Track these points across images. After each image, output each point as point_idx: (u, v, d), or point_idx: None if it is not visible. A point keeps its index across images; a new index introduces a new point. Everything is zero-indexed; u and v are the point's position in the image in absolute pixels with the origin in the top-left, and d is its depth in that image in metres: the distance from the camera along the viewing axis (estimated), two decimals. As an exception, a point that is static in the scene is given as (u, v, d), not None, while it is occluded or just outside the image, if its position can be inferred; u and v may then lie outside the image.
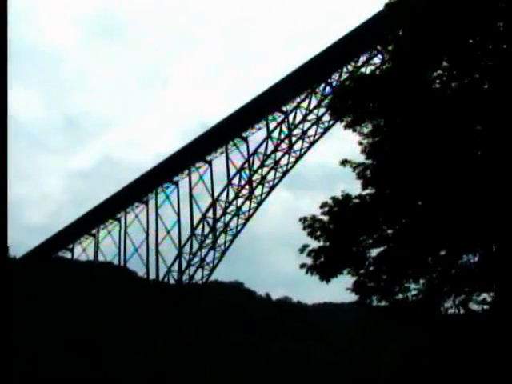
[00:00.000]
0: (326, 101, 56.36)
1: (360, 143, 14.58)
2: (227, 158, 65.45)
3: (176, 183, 70.06)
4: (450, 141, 13.23)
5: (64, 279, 63.82)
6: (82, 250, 77.65)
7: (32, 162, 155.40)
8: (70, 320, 51.38)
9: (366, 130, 14.50)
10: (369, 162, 14.49)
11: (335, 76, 58.97)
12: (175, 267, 65.75)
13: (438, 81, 13.90)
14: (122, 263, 72.29)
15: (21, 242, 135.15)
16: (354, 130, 14.61)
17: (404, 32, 14.34)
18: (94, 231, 76.30)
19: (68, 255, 78.97)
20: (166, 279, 66.37)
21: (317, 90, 60.50)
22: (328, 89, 59.11)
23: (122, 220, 73.96)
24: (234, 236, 65.28)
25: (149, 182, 70.20)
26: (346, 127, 14.71)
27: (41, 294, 56.56)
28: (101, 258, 74.71)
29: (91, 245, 76.60)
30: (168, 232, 68.29)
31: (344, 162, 14.75)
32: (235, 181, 64.13)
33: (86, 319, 52.18)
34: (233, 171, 64.41)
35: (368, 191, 14.39)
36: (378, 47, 53.39)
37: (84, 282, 63.58)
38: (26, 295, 54.97)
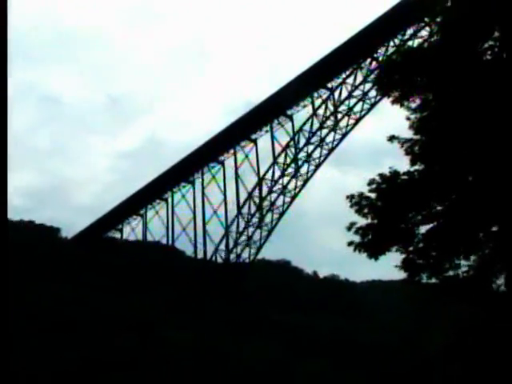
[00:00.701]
0: (372, 76, 55.53)
1: (408, 118, 14.33)
2: (272, 137, 65.41)
3: (222, 163, 70.40)
4: (502, 114, 12.84)
5: (114, 259, 65.15)
6: (131, 230, 79.15)
7: (79, 143, 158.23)
8: (121, 298, 52.48)
9: (413, 105, 14.24)
10: (417, 137, 14.23)
11: (381, 50, 58.02)
12: (222, 246, 66.56)
13: (489, 52, 13.47)
14: (170, 243, 73.41)
15: (70, 223, 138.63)
16: (402, 105, 14.35)
17: (453, 2, 13.92)
18: (141, 211, 77.54)
19: (117, 235, 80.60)
20: (213, 258, 67.17)
21: (362, 65, 59.67)
22: (374, 64, 58.20)
23: (169, 200, 74.95)
24: (281, 214, 65.45)
25: (195, 162, 70.74)
26: (393, 102, 14.44)
27: (93, 274, 57.87)
28: (149, 238, 76.10)
29: (140, 225, 78.03)
30: (215, 211, 68.99)
31: (391, 138, 14.51)
32: (281, 159, 64.14)
33: (136, 298, 53.21)
34: (278, 149, 64.43)
35: (416, 167, 14.17)
36: (426, 19, 52.15)
37: (133, 262, 64.78)
38: (78, 275, 56.42)
